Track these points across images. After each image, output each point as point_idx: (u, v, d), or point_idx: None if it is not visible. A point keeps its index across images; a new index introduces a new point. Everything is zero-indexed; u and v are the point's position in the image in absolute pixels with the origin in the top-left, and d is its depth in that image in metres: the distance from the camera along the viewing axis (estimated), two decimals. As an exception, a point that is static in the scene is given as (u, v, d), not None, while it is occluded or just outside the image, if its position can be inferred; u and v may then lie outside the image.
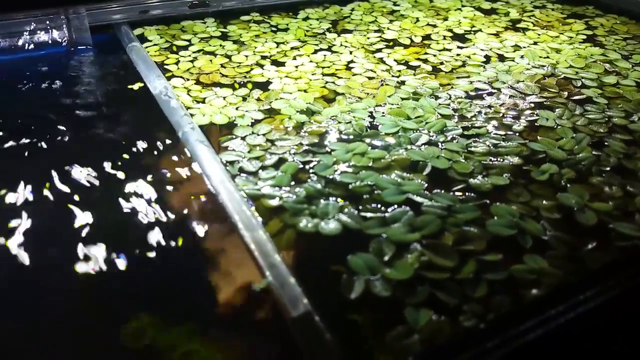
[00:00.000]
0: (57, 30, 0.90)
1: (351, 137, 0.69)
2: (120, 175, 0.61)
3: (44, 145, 0.66)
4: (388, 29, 1.04)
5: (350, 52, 0.93)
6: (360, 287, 0.48)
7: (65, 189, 0.59)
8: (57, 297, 0.47)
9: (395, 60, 0.91)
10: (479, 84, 0.83)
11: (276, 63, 0.89)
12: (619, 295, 0.48)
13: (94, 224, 0.54)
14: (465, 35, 1.02)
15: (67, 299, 0.47)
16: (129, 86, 0.80)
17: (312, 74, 0.85)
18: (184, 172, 0.62)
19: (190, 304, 0.47)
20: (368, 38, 0.99)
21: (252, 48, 0.94)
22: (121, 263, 0.50)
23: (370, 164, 0.64)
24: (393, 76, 0.85)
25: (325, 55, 0.92)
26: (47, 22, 0.90)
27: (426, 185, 0.60)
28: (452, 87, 0.82)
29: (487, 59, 0.93)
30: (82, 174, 0.61)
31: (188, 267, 0.51)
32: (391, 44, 0.98)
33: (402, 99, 0.78)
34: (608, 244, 0.54)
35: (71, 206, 0.56)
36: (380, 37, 1.00)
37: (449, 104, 0.77)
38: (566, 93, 0.82)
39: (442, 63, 0.90)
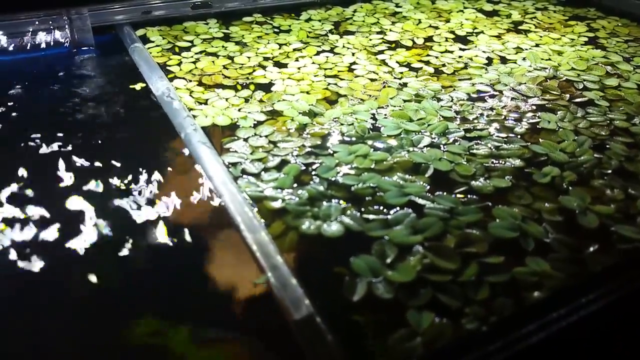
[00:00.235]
0: (59, 30, 0.91)
1: (353, 139, 0.69)
2: (122, 176, 0.61)
3: (45, 146, 0.66)
4: (390, 30, 1.04)
5: (353, 54, 0.93)
6: (363, 289, 0.48)
7: (65, 189, 0.59)
8: (57, 297, 0.48)
9: (397, 62, 0.91)
10: (481, 86, 0.84)
11: (278, 64, 0.89)
12: (621, 298, 0.48)
13: (94, 225, 0.54)
14: (468, 37, 1.02)
15: (70, 300, 0.47)
16: (131, 87, 0.80)
17: (315, 76, 0.85)
18: (186, 173, 0.62)
19: (192, 305, 0.48)
20: (370, 40, 1.00)
21: (255, 49, 0.94)
22: (122, 264, 0.50)
23: (373, 166, 0.64)
24: (395, 78, 0.86)
25: (327, 57, 0.92)
26: (50, 23, 0.90)
27: (428, 187, 0.60)
28: (454, 89, 0.82)
29: (489, 61, 0.93)
30: (82, 174, 0.61)
31: (190, 268, 0.51)
32: (393, 45, 0.98)
33: (405, 101, 0.78)
34: (610, 247, 0.54)
35: (71, 206, 0.57)
36: (382, 38, 1.00)
37: (451, 106, 0.77)
38: (568, 95, 0.82)
39: (444, 65, 0.91)
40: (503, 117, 0.75)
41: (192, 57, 0.90)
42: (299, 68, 0.88)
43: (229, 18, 1.06)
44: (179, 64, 0.88)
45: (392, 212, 0.57)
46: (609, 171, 0.65)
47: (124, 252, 0.51)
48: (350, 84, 0.83)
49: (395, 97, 0.79)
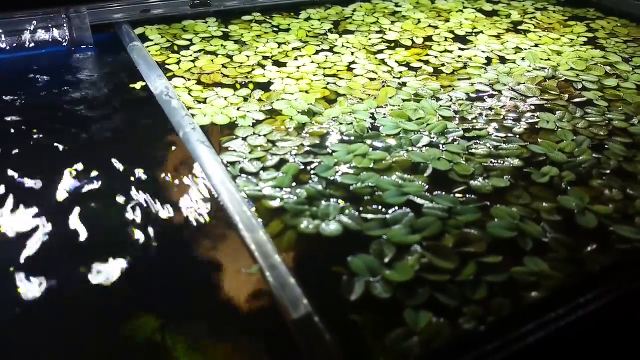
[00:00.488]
0: (58, 29, 0.90)
1: (352, 138, 0.69)
2: (120, 175, 0.61)
3: (44, 145, 0.66)
4: (390, 30, 1.04)
5: (352, 53, 0.93)
6: (361, 288, 0.48)
7: (63, 188, 0.59)
8: (56, 296, 0.47)
9: (396, 61, 0.91)
10: (480, 86, 0.84)
11: (278, 64, 0.89)
12: (619, 298, 0.48)
13: (92, 224, 0.54)
14: (467, 37, 1.02)
15: (67, 298, 0.47)
16: (130, 86, 0.80)
17: (314, 75, 0.85)
18: (184, 172, 0.62)
19: (190, 305, 0.47)
20: (370, 39, 1.00)
21: (254, 48, 0.94)
22: (119, 263, 0.50)
23: (372, 165, 0.64)
24: (394, 77, 0.85)
25: (326, 56, 0.92)
26: (48, 21, 0.90)
27: (427, 187, 0.60)
28: (453, 89, 0.82)
29: (489, 61, 0.93)
30: (81, 173, 0.61)
31: (188, 268, 0.51)
32: (393, 45, 0.98)
33: (404, 100, 0.78)
34: (608, 247, 0.54)
35: (70, 205, 0.56)
36: (381, 38, 1.00)
37: (450, 106, 0.77)
38: (567, 95, 0.82)
39: (443, 65, 0.91)
40: (502, 117, 0.75)
41: (191, 55, 0.90)
42: (298, 67, 0.88)
43: (228, 17, 1.06)
44: (178, 63, 0.88)
45: (390, 211, 0.56)
46: (608, 171, 0.65)
47: (119, 251, 0.51)
48: (349, 84, 0.83)
49: (394, 96, 0.79)
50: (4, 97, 0.76)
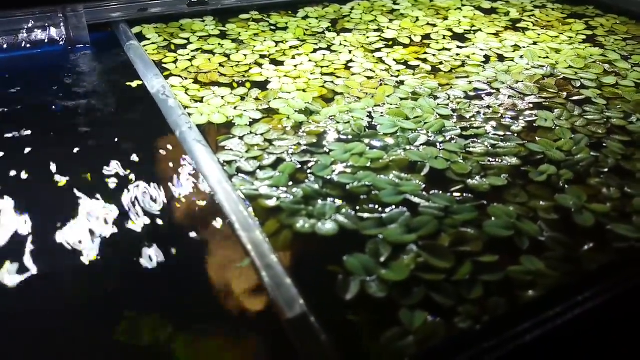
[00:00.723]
0: (54, 28, 0.90)
1: (350, 137, 0.69)
2: (117, 174, 0.61)
3: (40, 144, 0.66)
4: (388, 28, 1.04)
5: (350, 52, 0.93)
6: (356, 288, 0.48)
7: (60, 186, 0.59)
8: (54, 295, 0.47)
9: (394, 59, 0.91)
10: (478, 84, 0.83)
11: (275, 62, 0.89)
12: (616, 296, 0.48)
13: (89, 223, 0.54)
14: (465, 35, 1.02)
15: (65, 298, 0.47)
16: (127, 85, 0.80)
17: (311, 74, 0.85)
18: (181, 171, 0.62)
19: (185, 304, 0.47)
20: (367, 37, 0.99)
21: (251, 47, 0.94)
22: (115, 263, 0.50)
23: (369, 164, 0.63)
24: (392, 76, 0.85)
25: (324, 55, 0.91)
26: (45, 20, 0.89)
27: (424, 185, 0.60)
28: (451, 87, 0.82)
29: (487, 59, 0.92)
30: (76, 172, 0.61)
31: (184, 267, 0.51)
32: (391, 43, 0.98)
33: (401, 99, 0.78)
34: (605, 246, 0.54)
35: (67, 204, 0.56)
36: (379, 36, 1.00)
37: (447, 104, 0.77)
38: (565, 93, 0.82)
39: (441, 63, 0.90)
40: (500, 115, 0.75)
41: (188, 54, 0.90)
42: (295, 66, 0.88)
43: (226, 15, 1.06)
44: (175, 62, 0.87)
45: (387, 210, 0.56)
46: (606, 169, 0.64)
47: (116, 250, 0.51)
48: (346, 82, 0.83)
49: (392, 95, 0.79)
50: (0, 96, 0.76)
